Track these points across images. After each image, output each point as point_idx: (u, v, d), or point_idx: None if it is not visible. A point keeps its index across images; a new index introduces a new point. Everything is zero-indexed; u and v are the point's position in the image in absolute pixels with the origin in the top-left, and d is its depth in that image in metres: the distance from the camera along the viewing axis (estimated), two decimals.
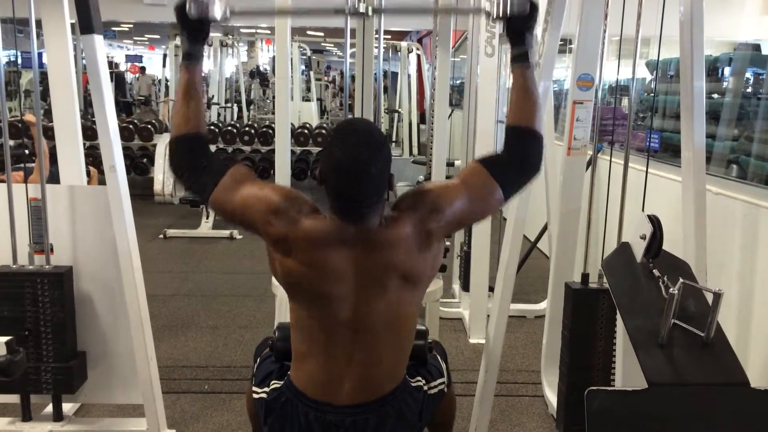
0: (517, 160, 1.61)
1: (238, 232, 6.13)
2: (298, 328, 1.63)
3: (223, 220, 1.64)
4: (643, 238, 2.01)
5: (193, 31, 1.61)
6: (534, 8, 1.58)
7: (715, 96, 4.45)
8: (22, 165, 2.87)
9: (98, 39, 2.33)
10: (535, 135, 1.62)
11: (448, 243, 3.42)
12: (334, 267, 1.52)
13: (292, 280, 1.57)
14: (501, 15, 1.57)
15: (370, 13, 1.99)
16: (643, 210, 2.20)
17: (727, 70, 4.58)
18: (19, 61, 7.69)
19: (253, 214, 1.55)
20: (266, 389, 1.73)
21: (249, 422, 2.11)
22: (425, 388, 1.76)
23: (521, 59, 1.62)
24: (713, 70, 4.50)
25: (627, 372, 2.33)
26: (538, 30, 2.98)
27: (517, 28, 1.61)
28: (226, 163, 1.61)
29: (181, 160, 1.62)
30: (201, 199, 1.60)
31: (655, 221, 1.98)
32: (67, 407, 2.71)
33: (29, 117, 3.39)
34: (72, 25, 2.56)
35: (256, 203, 1.55)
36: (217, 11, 1.59)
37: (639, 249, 2.03)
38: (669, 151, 4.03)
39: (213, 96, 10.61)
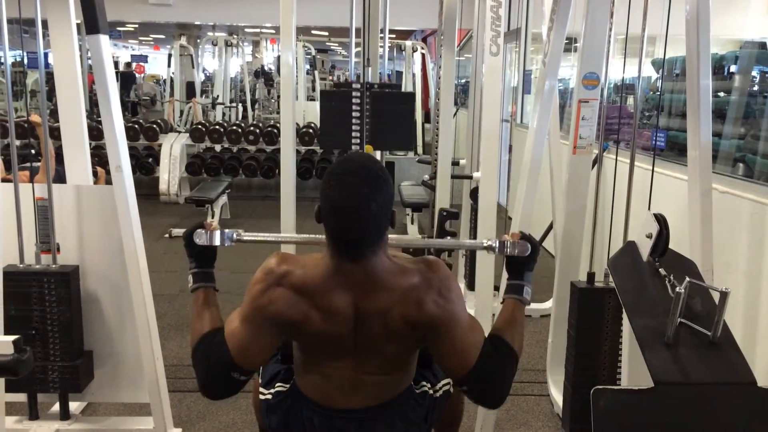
0: (493, 360, 1.51)
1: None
2: (300, 351, 1.62)
3: (262, 359, 1.56)
4: (649, 236, 2.00)
5: (201, 256, 1.65)
6: (535, 251, 1.63)
7: (722, 94, 4.43)
8: (28, 165, 2.88)
9: (104, 39, 2.34)
10: (514, 355, 1.55)
11: None
12: (335, 307, 1.48)
13: (303, 332, 1.53)
14: (503, 254, 1.64)
15: None
16: (649, 209, 2.19)
17: (733, 69, 4.56)
18: (25, 61, 7.72)
19: (259, 313, 1.49)
20: (272, 391, 1.73)
21: (255, 421, 2.11)
22: (430, 392, 1.76)
23: (516, 291, 1.64)
24: (719, 68, 4.48)
25: (633, 371, 2.32)
26: (544, 28, 2.98)
27: (517, 266, 1.65)
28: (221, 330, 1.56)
29: (201, 370, 1.56)
30: (230, 370, 1.51)
31: (661, 220, 1.98)
32: (74, 406, 2.72)
33: (35, 117, 3.40)
34: (78, 25, 2.57)
35: (251, 306, 1.50)
36: (224, 240, 1.65)
37: (645, 248, 2.03)
38: (675, 149, 4.02)
39: (218, 96, 10.62)
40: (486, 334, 1.57)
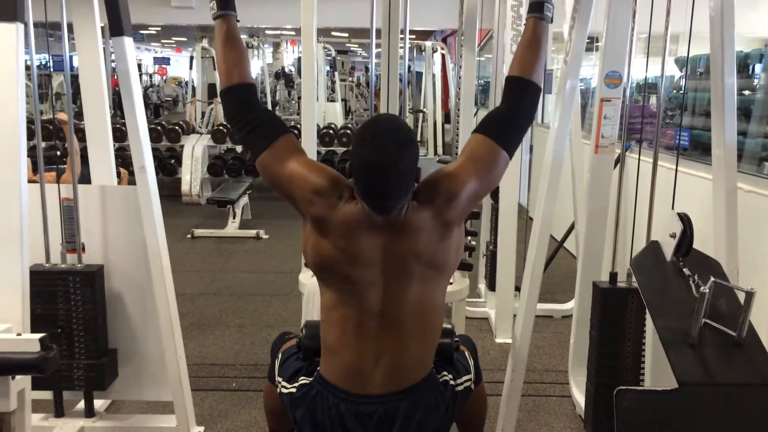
0: (516, 113, 1.67)
1: (265, 232, 6.17)
2: (328, 319, 1.66)
3: (266, 182, 1.70)
4: (672, 236, 1.99)
5: None
6: None
7: (746, 93, 4.37)
8: (54, 166, 2.92)
9: (128, 41, 2.37)
10: (536, 88, 1.69)
11: (473, 242, 3.41)
12: (363, 253, 1.57)
13: (323, 264, 1.61)
14: None
15: None
16: (672, 208, 2.17)
17: (758, 67, 4.49)
18: (50, 64, 7.84)
19: (297, 190, 1.60)
20: (295, 384, 1.74)
21: None
22: (452, 383, 1.77)
23: (536, 9, 1.70)
24: (744, 66, 4.42)
25: (656, 372, 2.30)
26: (565, 27, 2.96)
27: None
28: (279, 128, 1.67)
29: (234, 111, 1.68)
30: (251, 156, 1.66)
31: (685, 219, 1.96)
32: (99, 404, 2.75)
33: (62, 116, 3.45)
34: (102, 28, 2.60)
35: (301, 180, 1.60)
36: None
37: (669, 248, 2.01)
38: (699, 148, 3.97)
39: None
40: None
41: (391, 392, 1.64)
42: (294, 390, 1.74)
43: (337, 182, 1.61)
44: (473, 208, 1.68)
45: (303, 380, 1.74)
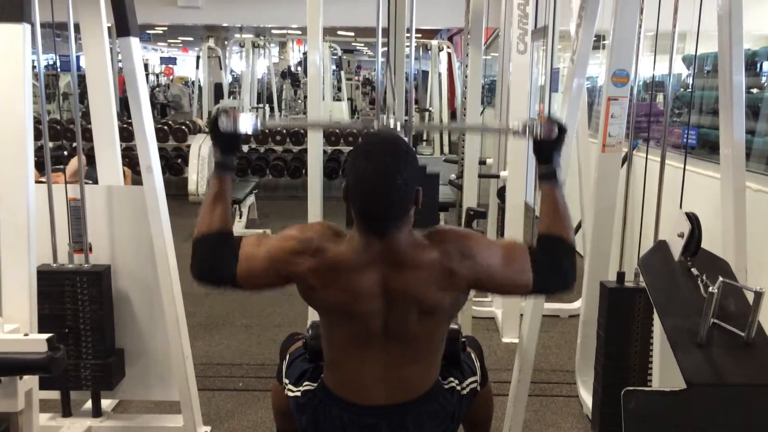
0: (549, 265, 1.56)
1: (271, 232, 6.18)
2: (329, 339, 1.64)
3: (258, 289, 1.64)
4: (680, 236, 1.98)
5: (226, 143, 1.65)
6: (562, 132, 1.61)
7: (755, 91, 4.35)
8: (61, 166, 2.92)
9: (135, 41, 2.37)
10: (567, 243, 1.59)
11: None
12: (364, 286, 1.51)
13: (326, 306, 1.57)
14: (529, 137, 1.61)
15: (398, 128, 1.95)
16: (680, 207, 2.16)
17: (766, 65, 4.47)
18: (58, 64, 7.86)
19: (282, 263, 1.53)
20: (300, 389, 1.74)
21: None
22: (458, 388, 1.76)
23: (549, 178, 1.63)
24: (752, 64, 4.40)
25: (664, 372, 2.29)
26: (572, 26, 2.95)
27: (545, 149, 1.63)
28: (237, 240, 1.59)
29: (202, 260, 1.59)
30: (229, 282, 1.56)
31: (693, 219, 1.95)
32: (106, 403, 2.76)
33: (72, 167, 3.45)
34: (109, 28, 2.60)
35: (280, 252, 1.53)
36: (248, 126, 1.64)
37: (677, 247, 2.00)
38: (707, 147, 3.96)
39: (256, 108, 10.72)
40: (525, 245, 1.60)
41: (395, 403, 1.62)
42: (299, 395, 1.73)
43: (314, 229, 1.55)
44: (475, 285, 1.57)
45: (307, 386, 1.73)
